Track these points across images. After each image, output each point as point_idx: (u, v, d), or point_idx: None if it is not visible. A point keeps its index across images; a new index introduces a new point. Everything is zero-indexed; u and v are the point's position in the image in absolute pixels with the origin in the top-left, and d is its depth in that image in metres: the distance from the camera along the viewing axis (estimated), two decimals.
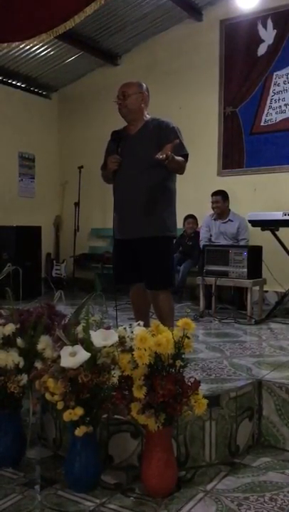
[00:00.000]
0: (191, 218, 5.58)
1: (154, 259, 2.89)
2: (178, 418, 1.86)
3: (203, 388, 2.07)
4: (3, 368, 1.97)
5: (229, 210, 5.22)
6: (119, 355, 1.80)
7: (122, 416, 1.91)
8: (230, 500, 1.83)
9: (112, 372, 1.76)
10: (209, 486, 1.94)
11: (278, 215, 4.17)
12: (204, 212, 5.37)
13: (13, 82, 6.65)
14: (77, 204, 6.56)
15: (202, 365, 2.72)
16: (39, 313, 2.10)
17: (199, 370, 2.59)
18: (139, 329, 1.87)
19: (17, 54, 6.05)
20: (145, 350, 1.73)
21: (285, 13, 5.40)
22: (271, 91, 5.54)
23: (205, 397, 1.85)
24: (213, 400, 2.12)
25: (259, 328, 3.97)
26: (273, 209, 4.51)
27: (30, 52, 6.09)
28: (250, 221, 4.47)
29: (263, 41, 5.56)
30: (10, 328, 2.04)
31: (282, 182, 5.41)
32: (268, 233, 4.33)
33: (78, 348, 1.77)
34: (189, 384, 1.80)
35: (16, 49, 5.78)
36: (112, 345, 1.80)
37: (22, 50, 5.96)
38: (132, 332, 1.87)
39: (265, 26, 5.54)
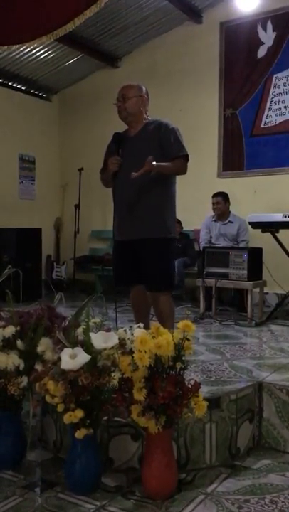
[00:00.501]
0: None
1: (154, 260, 2.89)
2: (178, 420, 1.86)
3: (204, 390, 2.07)
4: (3, 370, 1.97)
5: (229, 211, 5.22)
6: (120, 357, 1.79)
7: (122, 418, 1.91)
8: (231, 502, 1.82)
9: (113, 374, 1.76)
10: (210, 489, 1.93)
11: (278, 217, 4.17)
12: (204, 213, 5.38)
13: (14, 85, 6.66)
14: (77, 206, 6.57)
15: (202, 367, 2.72)
16: (39, 316, 2.10)
17: (199, 372, 2.59)
18: (139, 331, 1.87)
19: (17, 56, 6.06)
20: (145, 352, 1.73)
21: (285, 15, 5.41)
22: (271, 93, 5.54)
23: (205, 399, 1.84)
24: (214, 402, 2.11)
25: (259, 330, 3.96)
26: (273, 211, 4.51)
27: (31, 55, 6.10)
28: (250, 223, 4.48)
29: (262, 43, 5.57)
30: (10, 330, 2.04)
31: (283, 184, 5.41)
32: (268, 235, 4.33)
33: (78, 350, 1.77)
34: (189, 386, 1.79)
35: (17, 51, 5.80)
36: (113, 347, 1.80)
37: (22, 53, 5.98)
38: (132, 334, 1.87)
39: (264, 28, 5.55)
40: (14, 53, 5.88)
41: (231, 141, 5.80)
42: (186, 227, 5.71)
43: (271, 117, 5.55)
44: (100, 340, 1.80)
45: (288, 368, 2.70)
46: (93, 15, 3.15)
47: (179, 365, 1.80)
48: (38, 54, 6.11)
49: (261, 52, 5.58)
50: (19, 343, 2.03)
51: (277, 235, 4.32)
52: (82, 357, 1.75)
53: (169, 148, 2.86)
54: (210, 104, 5.88)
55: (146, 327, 2.00)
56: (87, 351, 1.77)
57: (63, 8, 3.17)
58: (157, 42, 6.29)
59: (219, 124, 5.87)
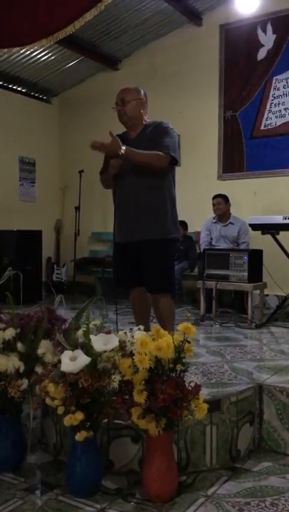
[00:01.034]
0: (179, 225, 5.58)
1: (154, 262, 2.89)
2: (178, 423, 1.85)
3: (204, 392, 2.07)
4: (3, 372, 1.97)
5: (230, 213, 5.23)
6: (120, 359, 1.79)
7: (122, 420, 1.91)
8: (231, 505, 1.82)
9: (113, 376, 1.76)
10: (210, 491, 1.93)
11: (278, 219, 4.17)
12: (204, 215, 5.38)
13: (14, 87, 6.68)
14: (77, 208, 6.57)
15: (203, 369, 2.72)
16: (39, 318, 2.09)
17: (200, 375, 2.59)
18: (139, 333, 1.87)
19: (18, 59, 6.08)
20: (146, 354, 1.73)
21: (285, 17, 5.42)
22: (271, 95, 5.56)
23: (205, 401, 1.84)
24: (214, 405, 2.11)
25: (260, 332, 3.96)
26: (273, 213, 4.52)
27: (31, 57, 6.11)
28: (250, 225, 4.48)
29: (262, 46, 5.59)
30: (10, 333, 2.04)
31: (283, 186, 5.41)
32: (268, 237, 4.33)
33: (79, 352, 1.77)
34: (190, 388, 1.79)
35: (17, 54, 5.82)
36: (113, 349, 1.80)
37: (23, 55, 5.99)
38: (133, 336, 1.87)
39: (264, 31, 5.56)
40: (15, 56, 5.90)
41: (231, 143, 5.81)
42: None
43: (271, 119, 5.56)
44: (100, 342, 1.80)
45: (288, 370, 2.70)
46: (93, 17, 3.17)
47: (179, 367, 1.80)
48: (38, 56, 6.13)
49: (261, 54, 5.60)
50: (19, 345, 2.03)
51: (277, 236, 4.32)
52: (83, 359, 1.75)
53: (157, 144, 2.81)
54: (210, 107, 5.89)
55: (147, 329, 2.00)
56: (87, 353, 1.77)
57: (63, 10, 3.18)
58: (157, 44, 6.30)
59: (219, 126, 5.88)
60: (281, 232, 4.29)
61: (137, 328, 1.94)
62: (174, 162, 2.88)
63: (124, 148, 2.72)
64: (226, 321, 4.34)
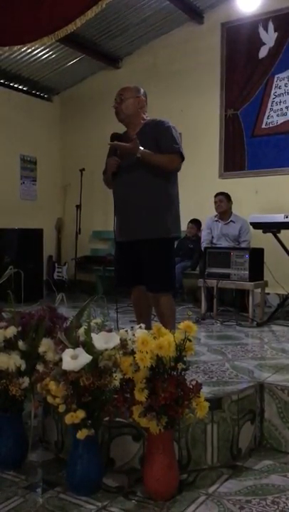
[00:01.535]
0: (193, 223, 5.60)
1: (155, 261, 2.88)
2: (179, 421, 1.86)
3: (205, 391, 2.07)
4: (4, 370, 1.97)
5: (231, 211, 5.23)
6: (121, 357, 1.79)
7: (123, 419, 1.91)
8: (232, 503, 1.82)
9: (114, 375, 1.76)
10: (211, 489, 1.93)
11: (280, 218, 4.17)
12: (206, 214, 5.38)
13: (15, 85, 6.67)
14: (78, 206, 6.57)
15: (204, 367, 2.72)
16: (41, 316, 2.10)
17: (201, 373, 2.59)
18: (140, 332, 1.87)
19: (19, 57, 6.07)
20: (147, 352, 1.73)
21: (286, 15, 5.41)
22: (272, 93, 5.54)
23: (207, 399, 1.84)
24: (215, 403, 2.11)
25: (261, 331, 3.96)
26: (275, 211, 4.52)
27: (32, 56, 6.11)
28: (251, 223, 4.48)
29: (264, 44, 5.57)
30: (11, 331, 2.04)
31: (284, 184, 5.41)
32: (269, 235, 4.33)
33: (80, 350, 1.77)
34: (191, 387, 1.79)
35: (18, 52, 5.81)
36: (114, 347, 1.80)
37: (24, 53, 5.99)
38: (134, 335, 1.87)
39: (266, 29, 5.55)
40: (16, 54, 5.90)
41: (233, 142, 5.81)
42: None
43: (272, 118, 5.55)
44: (102, 340, 1.80)
45: None
46: (95, 16, 3.16)
47: (180, 365, 1.80)
48: (39, 55, 6.13)
49: (262, 52, 5.58)
50: (20, 343, 2.03)
51: (278, 235, 4.32)
52: (84, 358, 1.75)
53: (162, 145, 2.85)
54: (211, 105, 5.88)
55: (148, 328, 2.00)
56: (88, 352, 1.77)
57: (65, 9, 3.18)
58: (158, 43, 6.29)
59: (220, 124, 5.87)
60: (282, 231, 4.29)
61: (138, 326, 1.94)
62: (183, 160, 2.91)
63: (141, 149, 2.76)
64: (227, 320, 4.34)
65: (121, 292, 3.63)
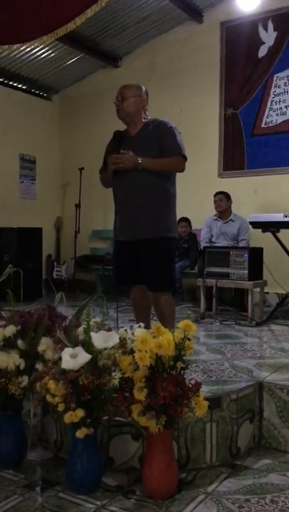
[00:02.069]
0: (184, 222, 5.59)
1: (155, 260, 2.89)
2: (179, 420, 1.86)
3: (204, 390, 2.07)
4: (3, 369, 1.97)
5: (231, 211, 5.23)
6: (120, 357, 1.79)
7: (122, 418, 1.91)
8: (231, 502, 1.83)
9: (113, 374, 1.76)
10: (210, 488, 1.93)
11: (279, 217, 4.17)
12: (205, 213, 5.38)
13: (14, 84, 6.66)
14: (78, 205, 6.57)
15: (203, 366, 2.72)
16: (40, 315, 2.10)
17: (200, 372, 2.59)
18: (140, 331, 1.87)
19: (18, 56, 6.06)
20: (146, 352, 1.73)
21: (286, 14, 5.40)
22: (272, 93, 5.54)
23: (206, 399, 1.84)
24: (214, 402, 2.12)
25: (260, 330, 3.96)
26: (274, 211, 4.51)
27: (32, 54, 6.10)
28: (251, 223, 4.48)
29: (263, 43, 5.57)
30: (11, 330, 2.04)
31: (283, 184, 5.41)
32: (268, 235, 4.33)
33: (79, 349, 1.77)
34: (190, 386, 1.80)
35: (17, 51, 5.79)
36: (113, 347, 1.80)
37: (23, 52, 5.97)
38: (133, 334, 1.87)
39: (265, 28, 5.55)
40: (15, 53, 5.88)
41: (232, 141, 5.80)
42: None
43: (272, 117, 5.55)
44: (101, 339, 1.80)
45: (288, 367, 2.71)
46: (94, 14, 3.16)
47: (179, 364, 1.80)
48: (38, 53, 6.12)
49: (262, 51, 5.58)
50: (20, 342, 2.03)
51: (277, 234, 4.32)
52: (83, 356, 1.75)
53: (165, 147, 2.86)
54: (211, 104, 5.88)
55: (147, 327, 2.00)
56: (87, 351, 1.77)
57: (64, 7, 3.17)
58: (158, 42, 6.29)
59: (220, 123, 5.87)
60: (281, 230, 4.29)
61: (138, 325, 1.94)
62: (185, 160, 2.91)
63: (140, 160, 2.76)
64: (226, 319, 4.35)
65: (120, 291, 3.63)
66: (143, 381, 1.75)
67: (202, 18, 5.93)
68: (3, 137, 6.38)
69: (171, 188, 2.97)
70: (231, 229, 5.16)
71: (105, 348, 1.80)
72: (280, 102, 5.50)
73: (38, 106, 6.96)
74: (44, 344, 1.95)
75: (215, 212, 5.26)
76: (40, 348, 1.95)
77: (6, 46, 3.62)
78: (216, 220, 5.26)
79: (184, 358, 1.82)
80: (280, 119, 5.50)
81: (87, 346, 1.80)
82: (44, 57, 6.22)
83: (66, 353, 1.76)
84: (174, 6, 5.60)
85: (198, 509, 1.78)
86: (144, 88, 3.00)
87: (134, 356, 1.75)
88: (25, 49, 5.78)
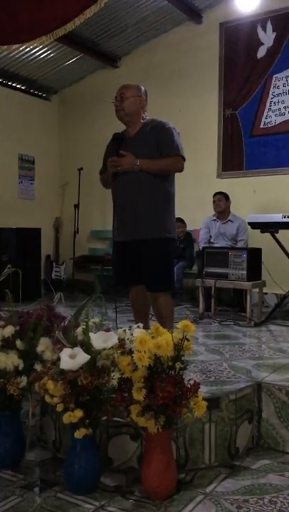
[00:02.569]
0: (179, 222, 5.57)
1: (154, 261, 2.89)
2: (177, 420, 1.86)
3: (203, 390, 2.07)
4: (2, 370, 1.97)
5: (229, 211, 5.24)
6: (119, 357, 1.79)
7: (121, 418, 1.91)
8: (230, 502, 1.83)
9: (112, 374, 1.76)
10: (209, 489, 1.93)
11: (278, 217, 4.18)
12: (204, 214, 5.38)
13: (13, 84, 6.66)
14: (76, 206, 6.57)
15: (202, 367, 2.72)
16: (39, 315, 2.09)
17: (199, 373, 2.59)
18: (138, 331, 1.87)
19: (17, 56, 6.06)
20: (145, 352, 1.73)
21: (285, 15, 5.41)
22: (271, 93, 5.55)
23: (204, 399, 1.84)
24: (213, 402, 2.12)
25: (258, 331, 3.97)
26: (273, 211, 4.52)
27: (31, 55, 6.10)
28: (249, 223, 4.48)
29: (262, 44, 5.58)
30: (9, 330, 2.04)
31: (282, 184, 5.41)
32: (267, 235, 4.33)
33: (78, 350, 1.77)
34: (189, 386, 1.80)
35: (16, 51, 5.79)
36: (112, 347, 1.80)
37: (22, 52, 5.98)
38: (132, 334, 1.87)
39: (264, 29, 5.55)
40: (14, 53, 5.88)
41: (231, 142, 5.81)
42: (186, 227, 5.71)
43: (271, 118, 5.55)
44: (100, 340, 1.80)
45: (287, 368, 2.71)
46: (93, 15, 3.16)
47: (178, 365, 1.80)
48: (37, 54, 6.12)
49: (261, 52, 5.59)
50: (18, 342, 2.03)
51: (276, 235, 4.32)
52: (82, 357, 1.75)
53: (163, 147, 2.86)
54: (210, 105, 5.88)
55: (146, 327, 2.00)
56: (86, 351, 1.77)
57: (63, 8, 3.17)
58: (157, 42, 6.29)
59: (219, 124, 5.87)
60: (280, 231, 4.29)
61: (137, 326, 1.94)
62: (184, 160, 2.91)
63: (138, 161, 2.77)
64: (225, 319, 4.35)
65: (119, 292, 3.63)
66: (142, 381, 1.75)
67: (201, 19, 5.94)
68: (2, 137, 6.37)
69: (170, 189, 2.97)
70: (230, 229, 5.16)
71: (104, 349, 1.80)
72: (278, 102, 5.51)
73: (37, 106, 6.96)
74: (43, 344, 1.95)
75: (214, 213, 5.27)
76: (39, 348, 1.95)
77: (5, 46, 3.61)
78: (214, 220, 5.26)
79: (183, 358, 1.82)
80: (279, 119, 5.50)
81: (86, 346, 1.80)
82: (43, 57, 6.22)
83: (65, 354, 1.77)
84: (173, 6, 5.61)
85: (196, 509, 1.78)
86: (143, 88, 3.00)
87: (133, 356, 1.75)
88: (24, 49, 5.79)
